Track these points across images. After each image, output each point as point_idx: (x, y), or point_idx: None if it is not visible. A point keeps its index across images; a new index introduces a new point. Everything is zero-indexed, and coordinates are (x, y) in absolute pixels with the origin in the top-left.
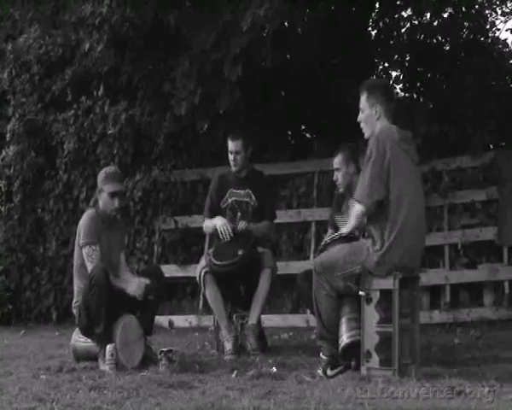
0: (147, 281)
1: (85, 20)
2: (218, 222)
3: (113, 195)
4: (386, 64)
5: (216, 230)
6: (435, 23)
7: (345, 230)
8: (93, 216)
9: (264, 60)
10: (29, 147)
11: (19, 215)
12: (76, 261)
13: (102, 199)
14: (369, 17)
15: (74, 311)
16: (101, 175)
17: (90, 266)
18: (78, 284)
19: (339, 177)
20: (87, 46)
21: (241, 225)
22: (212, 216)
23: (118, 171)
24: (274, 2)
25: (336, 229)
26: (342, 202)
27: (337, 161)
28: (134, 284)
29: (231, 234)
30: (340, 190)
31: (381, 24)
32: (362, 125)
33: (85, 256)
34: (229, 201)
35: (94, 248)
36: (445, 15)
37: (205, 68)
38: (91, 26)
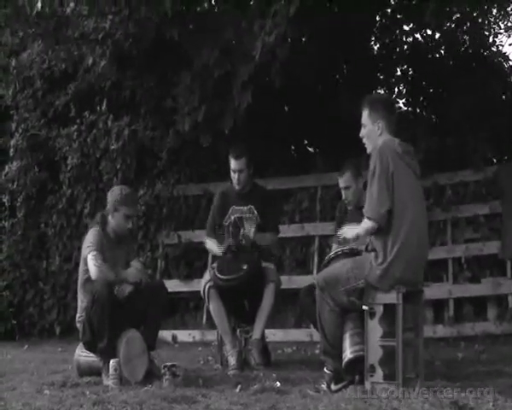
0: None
1: (88, 36)
2: (219, 251)
3: (128, 217)
4: (389, 78)
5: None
6: (437, 35)
7: (351, 233)
8: (98, 233)
9: (272, 82)
10: (32, 162)
11: (22, 230)
12: (80, 277)
13: (116, 218)
14: (370, 32)
15: (78, 325)
16: (116, 194)
17: (94, 271)
18: (81, 299)
19: (349, 195)
20: (90, 61)
21: (251, 233)
22: (213, 234)
23: (134, 193)
24: (281, 28)
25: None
26: (346, 213)
27: (346, 179)
28: (132, 272)
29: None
30: (350, 208)
31: (383, 38)
32: (364, 140)
33: (90, 262)
34: (232, 218)
35: (98, 252)
36: (447, 28)
37: (208, 85)
38: (94, 41)
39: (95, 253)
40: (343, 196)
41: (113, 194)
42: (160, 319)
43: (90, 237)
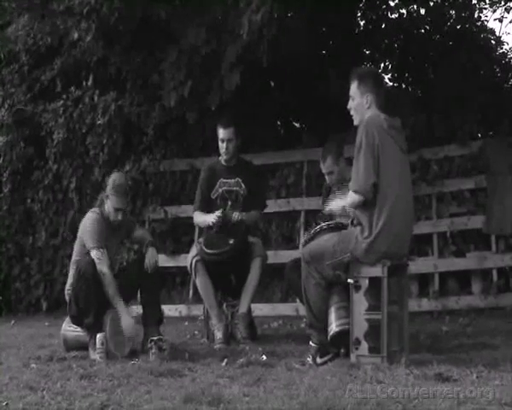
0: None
1: (73, 10)
2: (210, 218)
3: (116, 210)
4: (375, 54)
5: (208, 225)
6: (423, 11)
7: (339, 204)
8: (98, 219)
9: (260, 61)
10: (18, 137)
11: (8, 206)
12: (75, 255)
13: (107, 205)
14: (356, 8)
15: (66, 298)
16: (110, 181)
17: (99, 266)
18: (73, 274)
19: (333, 178)
20: (75, 35)
21: (235, 216)
22: (202, 208)
23: (126, 183)
24: (268, 5)
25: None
26: (331, 191)
27: (328, 165)
28: (126, 321)
29: (221, 221)
30: (335, 189)
31: (369, 14)
32: (352, 112)
33: (95, 258)
34: (220, 190)
35: (102, 251)
36: (433, 4)
37: (194, 61)
38: (79, 14)
39: (97, 252)
40: (327, 180)
41: (109, 180)
42: (158, 290)
43: (90, 225)
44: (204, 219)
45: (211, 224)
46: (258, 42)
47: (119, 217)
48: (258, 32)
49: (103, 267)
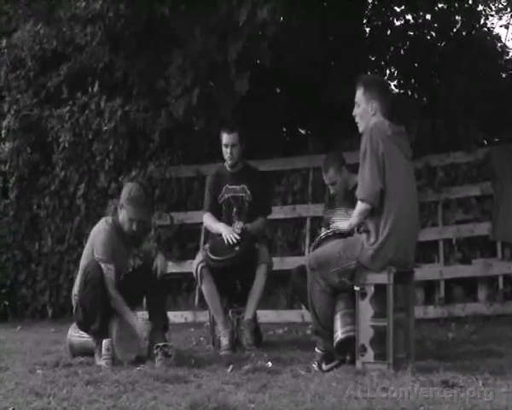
0: (147, 327)
1: (79, 16)
2: (224, 230)
3: (132, 220)
4: (380, 61)
5: (218, 233)
6: (428, 16)
7: (344, 225)
8: (109, 233)
9: (263, 62)
10: (24, 143)
11: (14, 212)
12: (84, 261)
13: (122, 215)
14: (362, 14)
15: (73, 302)
16: (126, 191)
17: (105, 282)
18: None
19: (336, 188)
20: (82, 40)
21: (238, 226)
22: (213, 210)
23: (142, 195)
24: (270, 3)
25: (328, 226)
26: (334, 198)
27: (330, 176)
28: (140, 325)
29: (236, 240)
30: (338, 198)
31: (374, 21)
32: (357, 119)
33: (107, 280)
34: (226, 196)
35: (109, 266)
36: (439, 10)
37: (201, 66)
38: (85, 21)
39: (105, 266)
40: (331, 191)
41: (125, 190)
42: (163, 297)
43: (102, 241)
44: (215, 226)
45: (230, 242)
46: (259, 36)
47: (134, 227)
48: (260, 27)
49: (109, 284)
